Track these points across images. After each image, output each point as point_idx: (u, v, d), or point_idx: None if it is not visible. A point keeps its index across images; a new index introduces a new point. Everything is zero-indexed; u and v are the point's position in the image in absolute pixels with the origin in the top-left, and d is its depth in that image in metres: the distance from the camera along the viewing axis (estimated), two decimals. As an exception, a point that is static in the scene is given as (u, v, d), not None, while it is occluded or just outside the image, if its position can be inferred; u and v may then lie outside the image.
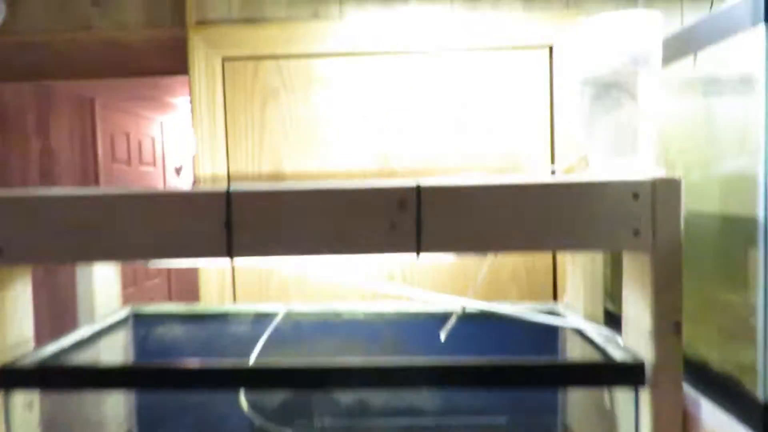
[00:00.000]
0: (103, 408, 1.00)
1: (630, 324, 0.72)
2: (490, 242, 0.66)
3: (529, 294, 1.12)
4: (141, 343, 1.06)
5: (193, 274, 1.32)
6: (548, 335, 0.99)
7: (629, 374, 0.68)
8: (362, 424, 1.11)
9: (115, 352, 1.00)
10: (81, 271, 0.97)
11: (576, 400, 0.98)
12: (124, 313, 1.05)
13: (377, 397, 1.12)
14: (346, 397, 1.09)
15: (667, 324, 0.65)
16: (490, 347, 0.99)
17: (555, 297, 1.12)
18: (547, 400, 1.06)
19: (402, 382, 0.72)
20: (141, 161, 3.36)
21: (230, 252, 0.66)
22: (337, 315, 1.02)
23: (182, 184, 3.73)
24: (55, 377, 0.74)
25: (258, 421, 1.05)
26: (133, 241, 0.66)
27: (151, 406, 1.13)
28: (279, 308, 1.01)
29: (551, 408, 1.06)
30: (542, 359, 0.87)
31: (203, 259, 0.67)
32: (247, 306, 1.07)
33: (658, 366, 0.65)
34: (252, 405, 1.02)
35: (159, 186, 3.54)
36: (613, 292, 1.02)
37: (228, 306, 1.12)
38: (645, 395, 0.67)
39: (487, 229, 0.65)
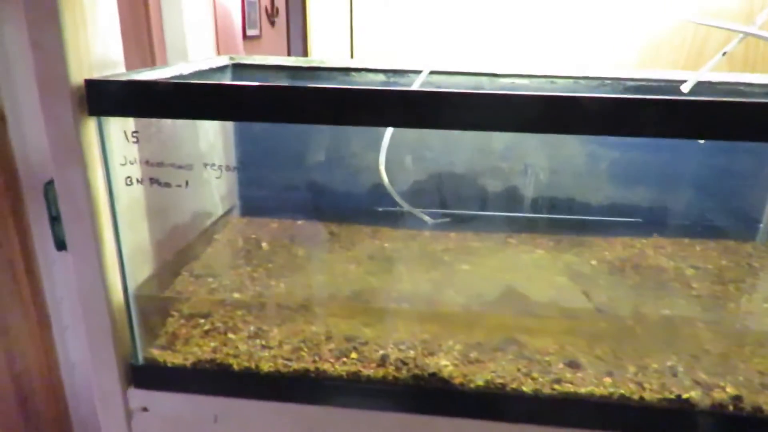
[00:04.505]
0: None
1: None
2: None
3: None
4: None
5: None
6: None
7: None
8: (506, 218, 0.98)
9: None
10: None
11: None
12: (221, 61, 0.90)
13: (530, 185, 0.97)
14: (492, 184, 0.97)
15: None
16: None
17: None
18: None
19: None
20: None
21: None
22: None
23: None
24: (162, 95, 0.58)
25: (396, 198, 0.89)
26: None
27: (256, 175, 1.01)
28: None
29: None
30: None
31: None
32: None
33: None
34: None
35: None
36: None
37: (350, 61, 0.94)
38: None
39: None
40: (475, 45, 1.31)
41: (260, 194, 1.08)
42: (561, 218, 1.02)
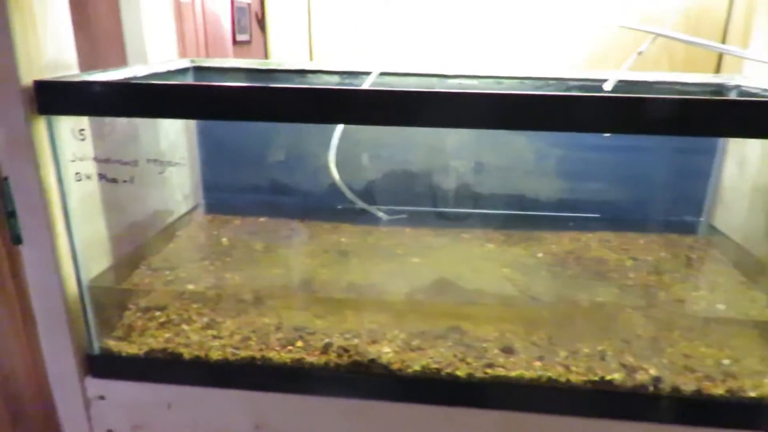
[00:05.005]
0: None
1: None
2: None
3: None
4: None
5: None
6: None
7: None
8: (461, 214, 1.03)
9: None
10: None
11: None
12: (182, 63, 0.94)
13: (484, 182, 1.02)
14: (447, 181, 1.03)
15: None
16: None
17: None
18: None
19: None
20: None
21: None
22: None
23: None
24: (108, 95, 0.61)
25: (349, 195, 0.97)
26: None
27: (220, 174, 1.09)
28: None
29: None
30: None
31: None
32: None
33: None
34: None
35: None
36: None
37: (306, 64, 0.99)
38: None
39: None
40: (434, 50, 1.35)
41: (225, 193, 1.11)
42: (513, 214, 1.05)
